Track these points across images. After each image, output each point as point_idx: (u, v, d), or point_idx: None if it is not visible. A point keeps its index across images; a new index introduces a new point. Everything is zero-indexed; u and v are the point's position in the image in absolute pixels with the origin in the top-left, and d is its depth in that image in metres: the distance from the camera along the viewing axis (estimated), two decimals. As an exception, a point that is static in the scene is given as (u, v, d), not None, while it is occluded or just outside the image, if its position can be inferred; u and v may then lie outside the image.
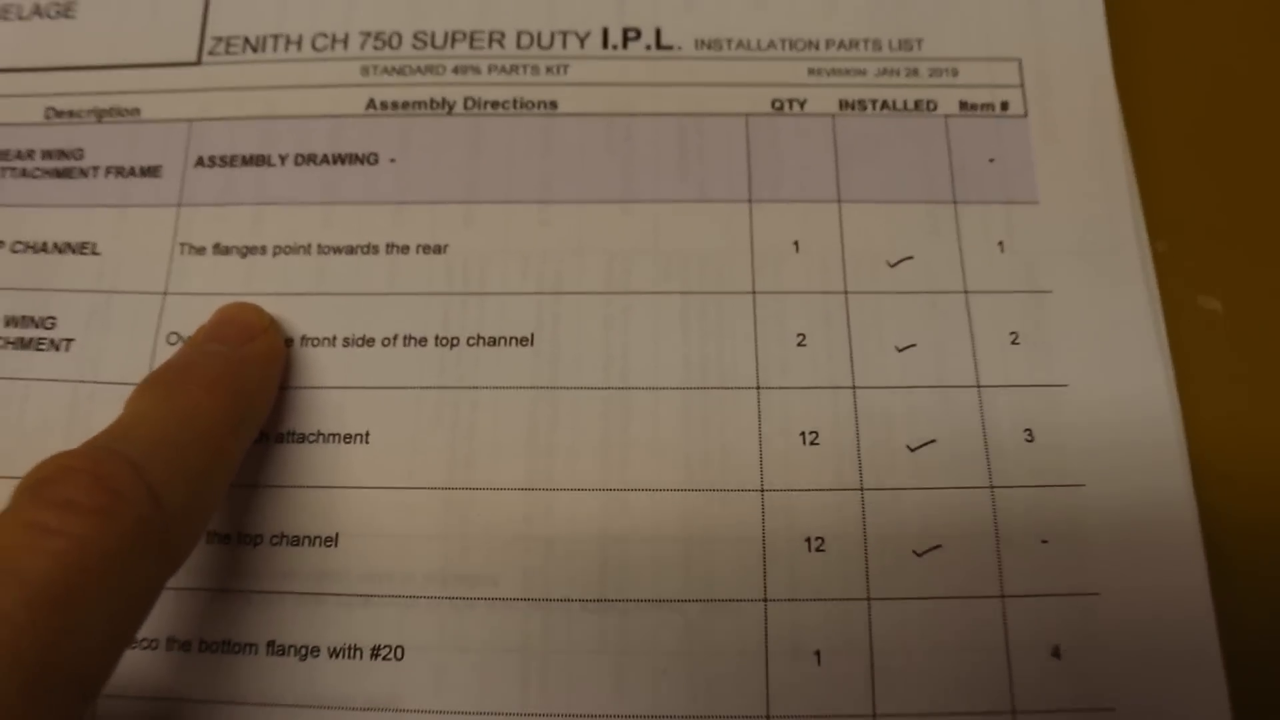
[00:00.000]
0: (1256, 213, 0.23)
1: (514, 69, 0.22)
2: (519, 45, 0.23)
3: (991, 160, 0.22)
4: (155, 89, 0.22)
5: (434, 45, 0.23)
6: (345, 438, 0.20)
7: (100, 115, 0.22)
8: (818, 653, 0.19)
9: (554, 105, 0.22)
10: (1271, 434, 0.21)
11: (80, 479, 0.16)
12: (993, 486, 0.20)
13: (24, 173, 0.22)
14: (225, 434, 0.18)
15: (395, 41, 0.23)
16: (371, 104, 0.22)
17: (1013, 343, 0.20)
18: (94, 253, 0.21)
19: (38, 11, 0.23)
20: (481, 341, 0.20)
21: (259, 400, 0.20)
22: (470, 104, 0.22)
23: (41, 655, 0.14)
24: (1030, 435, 0.20)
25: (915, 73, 0.22)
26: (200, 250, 0.21)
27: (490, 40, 0.23)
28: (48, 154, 0.22)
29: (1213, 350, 0.22)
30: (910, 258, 0.21)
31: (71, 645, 0.15)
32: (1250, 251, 0.23)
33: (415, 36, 0.23)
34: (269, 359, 0.20)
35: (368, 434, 0.20)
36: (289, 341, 0.20)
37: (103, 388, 0.20)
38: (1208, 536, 0.20)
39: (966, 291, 0.21)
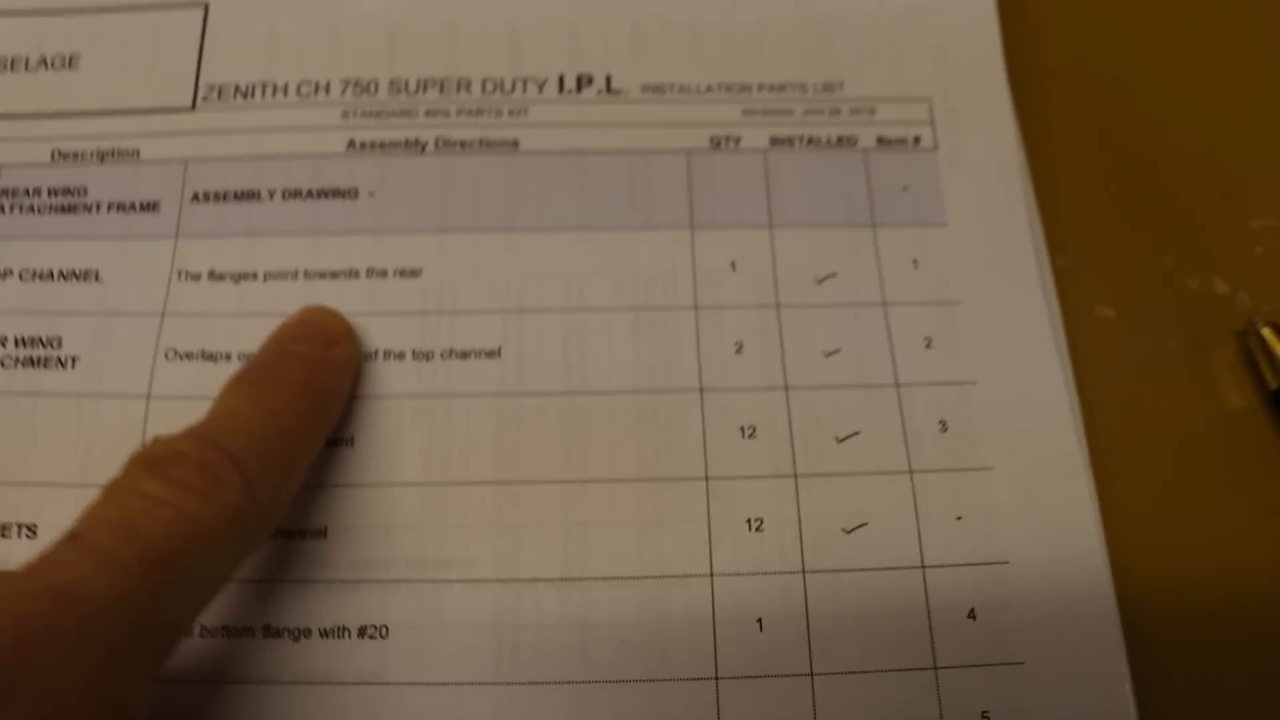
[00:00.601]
0: (1144, 233, 0.27)
1: (480, 112, 0.26)
2: (484, 91, 0.26)
3: (906, 188, 0.25)
4: (154, 132, 0.26)
5: (407, 91, 0.26)
6: (332, 441, 0.23)
7: (102, 156, 0.25)
8: (760, 620, 0.22)
9: (516, 144, 0.26)
10: (1155, 414, 0.25)
11: (189, 463, 0.19)
12: (911, 471, 0.23)
13: (32, 209, 0.25)
14: (305, 434, 0.21)
15: (372, 88, 0.26)
16: (351, 144, 0.26)
17: (927, 346, 0.24)
18: (97, 279, 0.24)
19: (44, 63, 0.26)
20: (454, 355, 0.24)
21: (336, 404, 0.23)
22: (441, 143, 0.26)
23: (145, 601, 0.17)
24: (944, 426, 0.23)
25: (837, 112, 0.26)
26: (196, 277, 0.24)
27: (458, 87, 0.26)
28: (53, 191, 0.25)
29: (1107, 351, 0.26)
30: (835, 274, 0.25)
31: (168, 599, 0.18)
32: (1138, 268, 0.27)
33: (390, 84, 0.26)
34: (348, 365, 0.23)
35: (353, 438, 0.23)
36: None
37: (105, 400, 0.23)
38: (1104, 498, 0.23)
39: (885, 303, 0.24)
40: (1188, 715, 0.22)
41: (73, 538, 0.18)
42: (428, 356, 0.24)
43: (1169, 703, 0.22)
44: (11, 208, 0.25)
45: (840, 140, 0.26)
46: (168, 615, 0.18)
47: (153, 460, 0.19)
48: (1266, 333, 0.25)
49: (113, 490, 0.19)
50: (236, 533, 0.19)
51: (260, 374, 0.22)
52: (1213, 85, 0.29)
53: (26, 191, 0.25)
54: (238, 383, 0.22)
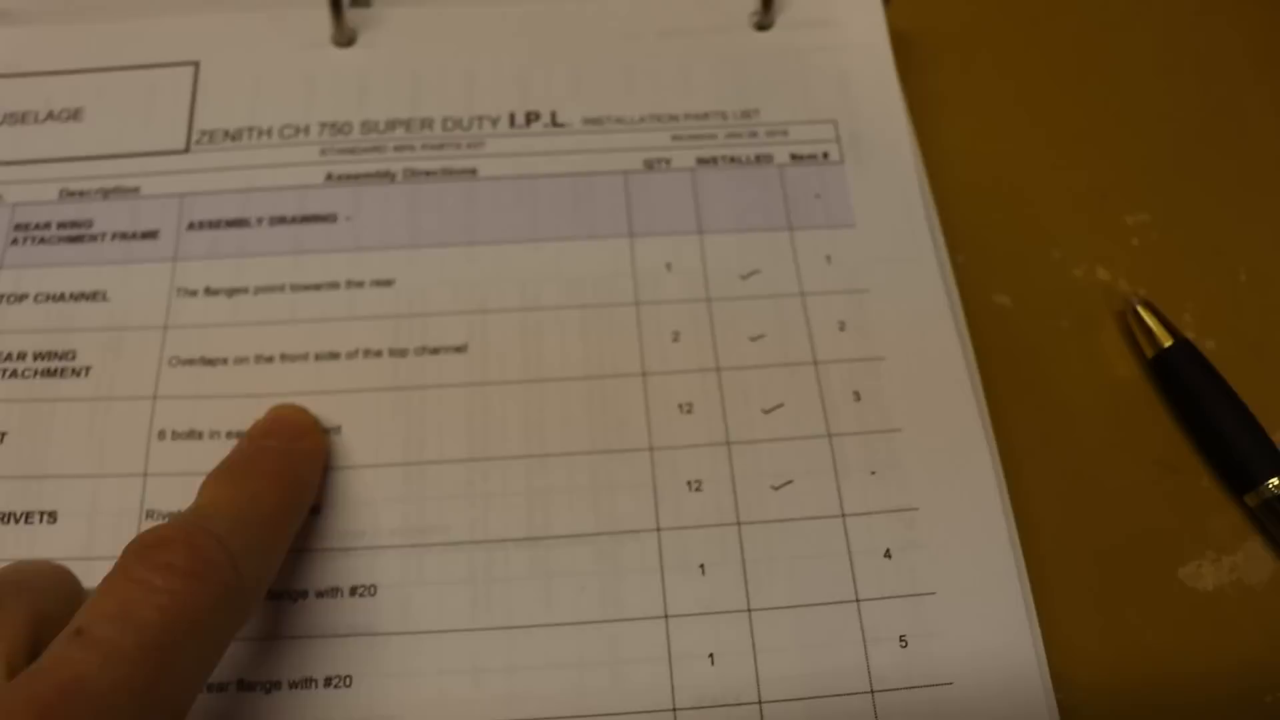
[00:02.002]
0: (1033, 230, 0.33)
1: (441, 146, 0.32)
2: (445, 129, 0.32)
3: (817, 196, 0.32)
4: (152, 172, 0.31)
5: (378, 131, 0.32)
6: (323, 430, 0.28)
7: (106, 194, 0.31)
8: (702, 565, 0.27)
9: (474, 172, 0.32)
10: (1049, 383, 0.31)
11: (178, 548, 0.21)
12: (830, 435, 0.28)
13: (42, 240, 0.31)
14: (283, 517, 0.25)
15: (346, 129, 0.32)
16: (329, 176, 0.31)
17: (840, 329, 0.30)
18: (105, 299, 0.30)
19: (51, 116, 0.32)
20: (426, 351, 0.29)
21: (309, 490, 0.27)
22: (408, 173, 0.32)
23: (150, 686, 0.20)
24: (857, 396, 0.29)
25: (755, 134, 0.32)
26: (193, 293, 0.30)
27: (422, 125, 0.32)
28: (62, 225, 0.31)
29: (1005, 333, 0.32)
30: (758, 271, 0.30)
31: (171, 679, 0.20)
32: (1029, 260, 0.33)
33: (362, 124, 0.32)
34: (316, 455, 0.27)
35: (340, 427, 0.28)
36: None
37: (116, 403, 0.28)
38: (1004, 453, 0.29)
39: (803, 294, 0.30)
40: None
41: (76, 633, 0.20)
42: (403, 354, 0.29)
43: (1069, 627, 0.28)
44: (25, 240, 0.31)
45: (758, 158, 0.32)
46: (172, 694, 0.20)
47: (144, 548, 0.21)
48: (1142, 310, 0.31)
49: (109, 582, 0.21)
50: (227, 609, 0.22)
51: (238, 466, 0.26)
52: (1090, 97, 0.36)
53: (37, 225, 0.31)
54: (218, 476, 0.25)
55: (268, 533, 0.24)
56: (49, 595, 0.23)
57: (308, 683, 0.26)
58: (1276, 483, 0.29)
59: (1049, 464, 0.30)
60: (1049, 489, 0.30)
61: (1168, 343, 0.31)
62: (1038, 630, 0.27)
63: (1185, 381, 0.31)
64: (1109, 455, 0.30)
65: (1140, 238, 0.34)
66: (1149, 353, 0.31)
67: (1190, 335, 0.31)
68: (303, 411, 0.28)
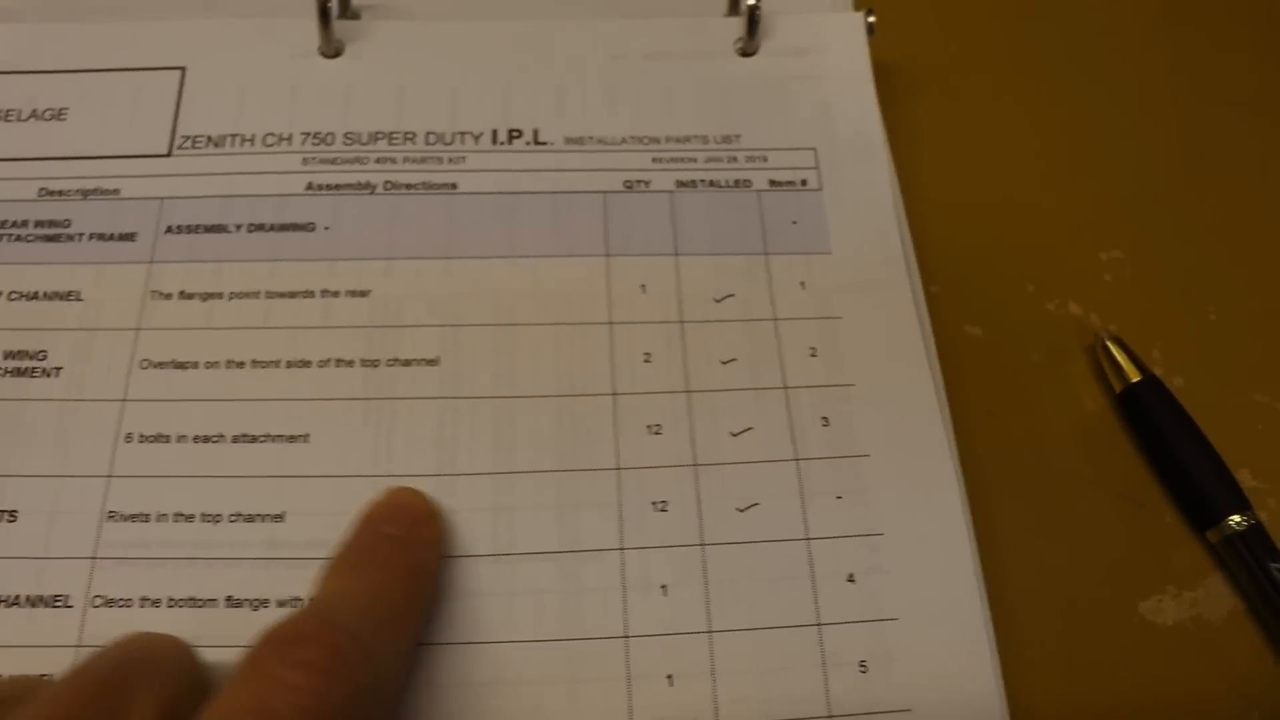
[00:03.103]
0: (1008, 264, 0.34)
1: (423, 160, 0.32)
2: (427, 142, 0.33)
3: (794, 222, 0.32)
4: (132, 174, 0.32)
5: (360, 142, 0.33)
6: (290, 438, 0.28)
7: (85, 194, 0.31)
8: (664, 586, 0.27)
9: (455, 186, 0.32)
10: (1018, 414, 0.31)
11: (314, 645, 0.21)
12: (797, 459, 0.29)
13: (19, 238, 0.31)
14: (411, 612, 0.25)
15: (329, 140, 0.33)
16: (310, 185, 0.32)
17: (811, 355, 0.30)
18: (78, 299, 0.30)
19: (34, 115, 0.32)
20: (397, 363, 0.29)
21: (433, 582, 0.26)
22: (389, 185, 0.32)
23: None
24: (826, 421, 0.29)
25: (735, 159, 0.33)
26: (168, 296, 0.30)
27: (404, 138, 0.33)
28: (39, 224, 0.31)
29: (975, 364, 0.32)
30: (732, 295, 0.31)
31: None
32: (1003, 294, 0.34)
33: (345, 135, 0.33)
34: (436, 544, 0.27)
35: (308, 435, 0.28)
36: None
37: (85, 405, 0.29)
38: (970, 481, 0.29)
39: (776, 319, 0.31)
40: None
41: None
42: (375, 364, 0.29)
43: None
44: (2, 237, 0.31)
45: (737, 183, 0.33)
46: None
47: (279, 643, 0.21)
48: (1111, 345, 0.32)
49: (243, 675, 0.21)
50: (366, 706, 0.22)
51: (361, 557, 0.26)
52: (1062, 134, 0.37)
53: (14, 223, 0.31)
54: (340, 566, 0.25)
55: (399, 627, 0.24)
56: (176, 675, 0.23)
57: (265, 691, 0.26)
58: (1238, 520, 0.30)
59: (1015, 495, 0.30)
60: (1015, 519, 0.30)
61: (1135, 378, 0.31)
62: (997, 659, 0.27)
63: (1151, 417, 0.31)
64: (1075, 488, 0.31)
65: (1113, 274, 0.34)
66: (1117, 387, 0.32)
67: (1159, 372, 0.32)
68: (421, 496, 0.28)
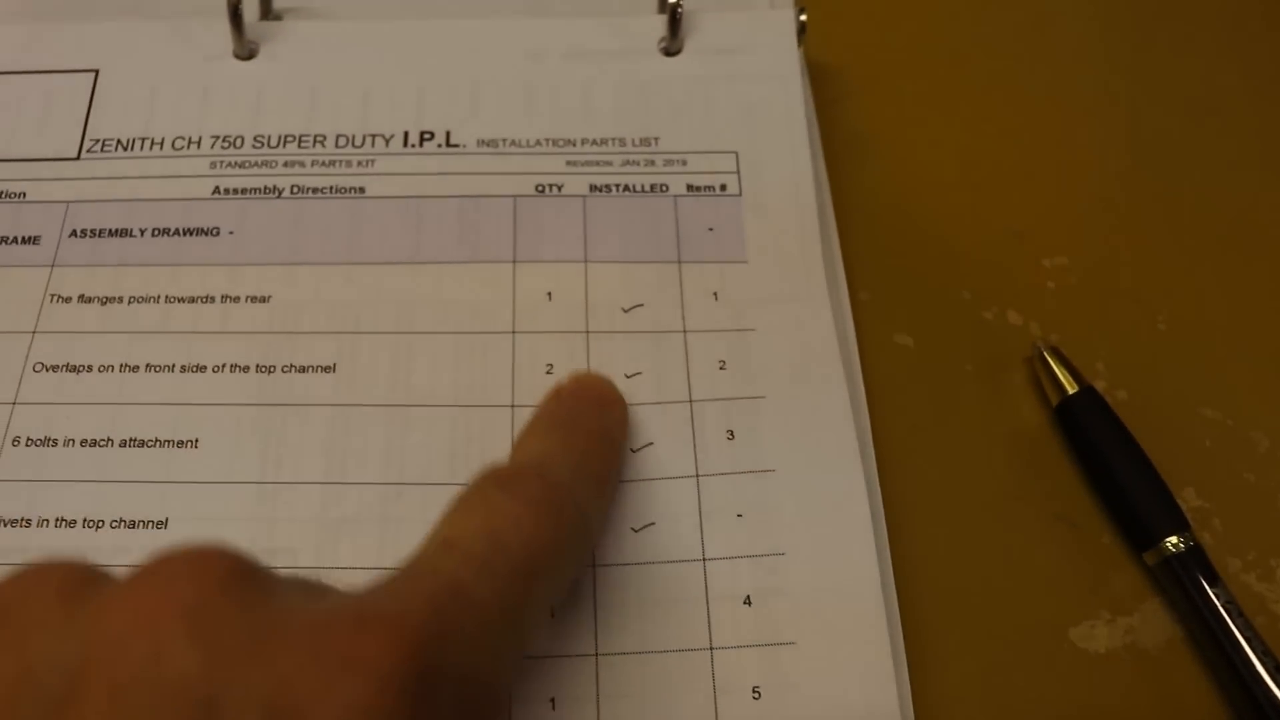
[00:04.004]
0: (942, 271, 0.33)
1: (332, 163, 0.32)
2: (337, 145, 0.32)
3: (711, 229, 0.31)
4: (40, 178, 0.32)
5: (269, 146, 0.32)
6: (179, 443, 0.28)
7: (-6, 199, 0.32)
8: (550, 609, 0.26)
9: (362, 190, 0.32)
10: (946, 427, 0.30)
11: (536, 483, 0.22)
12: (698, 475, 0.28)
13: (-82, 241, 0.31)
14: (608, 477, 0.26)
15: (239, 143, 0.32)
16: (217, 190, 0.32)
17: (720, 368, 0.29)
18: (-27, 302, 0.30)
19: (-53, 118, 0.33)
20: (293, 369, 0.29)
21: (621, 458, 0.27)
22: (296, 189, 0.32)
23: (514, 608, 0.20)
24: (731, 435, 0.28)
25: (652, 163, 0.32)
26: (67, 300, 0.30)
27: (314, 141, 0.32)
28: (-61, 227, 0.31)
29: (905, 373, 0.31)
30: (641, 305, 0.30)
31: (529, 608, 0.21)
32: (936, 301, 0.32)
33: (254, 139, 0.32)
34: (625, 422, 0.28)
35: (197, 440, 0.28)
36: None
37: (-24, 411, 0.29)
38: (888, 499, 0.28)
39: (685, 330, 0.30)
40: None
41: (446, 544, 0.21)
42: (270, 370, 0.29)
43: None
44: (-102, 240, 0.31)
45: (653, 188, 0.32)
46: (529, 621, 0.21)
47: (502, 479, 0.23)
48: (1049, 355, 0.31)
49: (469, 503, 0.22)
50: (575, 549, 0.23)
51: (560, 420, 0.26)
52: (1007, 138, 0.35)
53: (-86, 227, 0.31)
54: (541, 430, 0.26)
55: (601, 488, 0.25)
56: None
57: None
58: (1176, 541, 0.28)
59: (940, 513, 0.29)
60: (938, 539, 0.29)
61: (1073, 389, 0.30)
62: (906, 687, 0.26)
63: (1088, 431, 0.30)
64: (1006, 506, 0.30)
65: (1056, 281, 0.33)
66: (1054, 400, 0.30)
67: (1102, 385, 0.31)
68: (610, 382, 0.28)
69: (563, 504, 0.22)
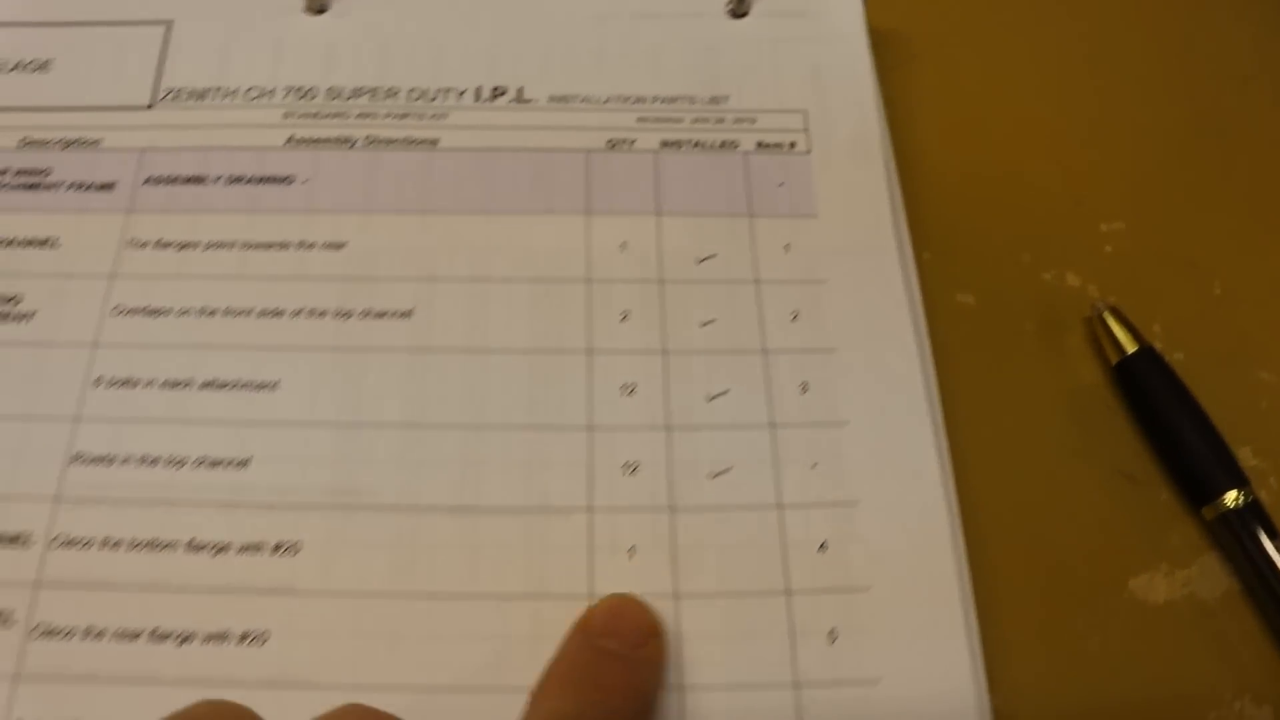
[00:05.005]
0: (1003, 233, 0.34)
1: (405, 115, 0.33)
2: (410, 98, 0.33)
3: (781, 184, 0.32)
4: (114, 126, 0.32)
5: (342, 98, 0.33)
6: (259, 385, 0.29)
7: (67, 145, 0.32)
8: (631, 548, 0.27)
9: (435, 142, 0.32)
10: (1008, 385, 0.31)
11: None
12: (773, 425, 0.29)
13: (-2, 186, 0.32)
14: None
15: (312, 95, 0.33)
16: (290, 139, 0.32)
17: (793, 319, 0.30)
18: (55, 246, 0.31)
19: (18, 66, 0.33)
20: (371, 314, 0.30)
21: (654, 705, 0.25)
22: (369, 141, 0.32)
23: None
24: (805, 387, 0.29)
25: (722, 120, 0.33)
26: (144, 245, 0.31)
27: (387, 94, 0.33)
28: (20, 172, 0.32)
29: (967, 331, 0.32)
30: (714, 256, 0.31)
31: None
32: (997, 262, 0.33)
33: (328, 91, 0.33)
34: (660, 663, 0.26)
35: (277, 383, 0.29)
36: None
37: (57, 349, 0.29)
38: (955, 451, 0.29)
39: (758, 281, 0.31)
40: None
41: None
42: (347, 315, 0.30)
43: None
44: (-20, 186, 0.32)
45: (723, 144, 0.33)
46: None
47: None
48: (1108, 316, 0.32)
49: None
50: None
51: (578, 675, 0.24)
52: (1072, 103, 0.36)
53: (-6, 172, 0.32)
54: (556, 684, 0.24)
55: None
56: None
57: (222, 636, 0.26)
58: (1234, 496, 0.29)
59: (1003, 467, 0.30)
60: (1001, 492, 0.30)
61: (1132, 349, 0.31)
62: (975, 632, 0.27)
63: (1147, 389, 0.31)
64: (1067, 461, 0.30)
65: (1114, 245, 0.34)
66: (1113, 359, 0.31)
67: (1158, 346, 0.31)
68: (644, 607, 0.26)
69: None
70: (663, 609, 0.26)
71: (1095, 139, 0.36)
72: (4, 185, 0.32)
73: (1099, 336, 0.32)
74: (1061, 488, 0.30)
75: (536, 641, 0.26)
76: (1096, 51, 0.38)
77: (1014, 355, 0.32)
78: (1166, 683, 0.28)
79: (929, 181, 0.34)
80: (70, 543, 0.27)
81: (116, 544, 0.27)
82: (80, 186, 0.32)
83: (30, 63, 0.33)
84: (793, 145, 0.33)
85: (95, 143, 0.32)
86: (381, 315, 0.30)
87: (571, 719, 0.23)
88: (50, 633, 0.26)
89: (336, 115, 0.33)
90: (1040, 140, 0.36)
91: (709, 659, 0.26)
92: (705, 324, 0.30)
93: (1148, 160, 0.36)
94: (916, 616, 0.27)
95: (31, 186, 0.31)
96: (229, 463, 0.28)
